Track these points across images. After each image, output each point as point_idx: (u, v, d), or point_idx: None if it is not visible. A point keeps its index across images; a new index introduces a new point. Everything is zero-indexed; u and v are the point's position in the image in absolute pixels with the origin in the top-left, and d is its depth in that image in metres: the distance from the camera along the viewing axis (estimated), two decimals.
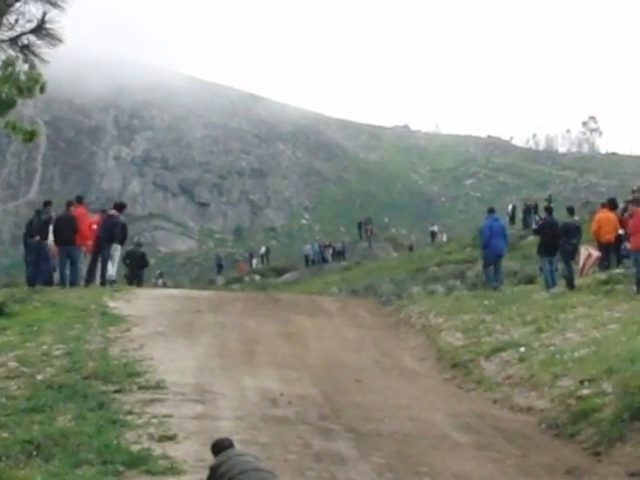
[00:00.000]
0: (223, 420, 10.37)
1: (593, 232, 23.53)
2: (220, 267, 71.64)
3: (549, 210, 24.41)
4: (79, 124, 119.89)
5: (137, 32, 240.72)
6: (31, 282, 23.14)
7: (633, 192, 23.94)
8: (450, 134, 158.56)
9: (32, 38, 7.04)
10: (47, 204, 24.42)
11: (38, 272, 23.34)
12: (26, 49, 7.07)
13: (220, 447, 6.73)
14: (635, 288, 18.49)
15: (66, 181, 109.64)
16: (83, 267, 24.10)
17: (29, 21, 6.97)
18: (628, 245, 20.06)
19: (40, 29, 6.97)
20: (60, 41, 7.09)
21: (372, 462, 9.20)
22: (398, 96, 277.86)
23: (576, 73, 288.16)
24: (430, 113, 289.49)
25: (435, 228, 71.40)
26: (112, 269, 24.56)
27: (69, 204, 24.32)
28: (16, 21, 6.94)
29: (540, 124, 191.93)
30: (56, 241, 23.18)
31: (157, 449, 8.80)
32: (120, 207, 25.23)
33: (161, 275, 66.77)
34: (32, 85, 7.21)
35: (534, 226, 26.60)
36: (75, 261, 23.37)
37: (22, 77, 7.13)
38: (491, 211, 25.49)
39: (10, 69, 7.10)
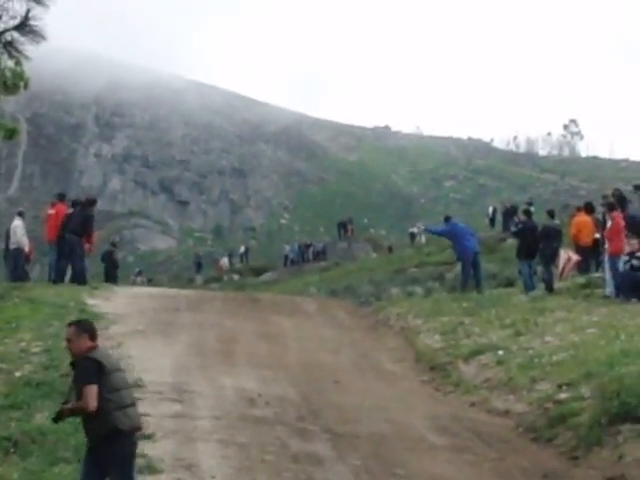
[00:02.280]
0: (201, 419, 10.36)
1: (572, 236, 23.58)
2: (199, 266, 71.38)
3: (528, 213, 24.42)
4: (60, 121, 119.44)
5: (127, 31, 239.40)
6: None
7: (604, 197, 23.76)
8: (431, 135, 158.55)
9: (15, 35, 6.98)
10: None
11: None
12: (9, 45, 7.01)
13: None
14: (609, 291, 18.70)
15: (46, 178, 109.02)
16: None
17: (12, 18, 6.91)
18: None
19: (23, 26, 6.92)
20: (43, 38, 7.05)
21: (349, 463, 9.21)
22: (379, 97, 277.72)
23: (558, 76, 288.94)
24: (411, 114, 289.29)
25: (414, 229, 71.25)
26: None
27: (86, 203, 23.52)
28: None
29: (521, 126, 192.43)
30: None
31: None
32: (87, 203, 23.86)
33: (140, 273, 66.51)
34: (17, 81, 7.16)
35: (513, 229, 26.55)
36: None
37: (8, 74, 7.08)
38: (447, 219, 25.88)
39: None
